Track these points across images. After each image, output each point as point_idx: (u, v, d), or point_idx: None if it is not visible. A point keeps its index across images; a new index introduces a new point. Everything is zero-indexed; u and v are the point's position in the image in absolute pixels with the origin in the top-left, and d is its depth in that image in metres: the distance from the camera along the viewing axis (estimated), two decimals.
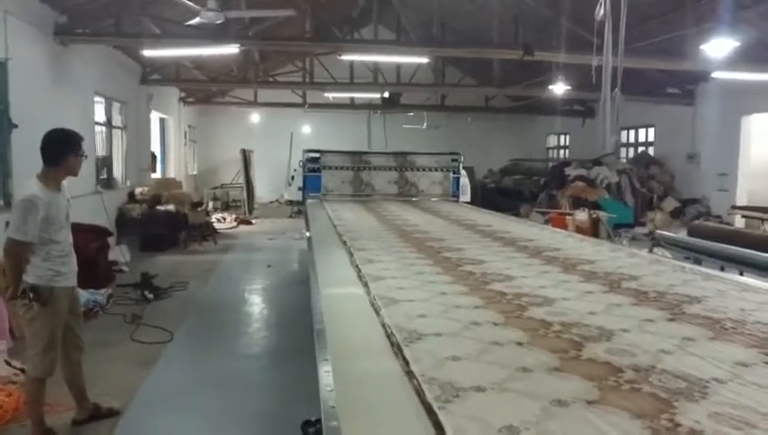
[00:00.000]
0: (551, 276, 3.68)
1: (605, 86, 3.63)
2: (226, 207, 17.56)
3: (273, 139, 18.91)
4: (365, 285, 3.38)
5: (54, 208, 3.31)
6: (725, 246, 5.40)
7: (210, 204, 16.08)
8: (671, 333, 2.44)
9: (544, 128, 20.11)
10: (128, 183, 11.10)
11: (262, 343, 5.44)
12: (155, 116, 13.90)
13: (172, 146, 15.61)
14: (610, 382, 1.88)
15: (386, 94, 16.43)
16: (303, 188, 9.63)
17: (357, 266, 3.88)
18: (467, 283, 3.44)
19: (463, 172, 10.25)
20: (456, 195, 9.96)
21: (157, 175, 13.94)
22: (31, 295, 3.21)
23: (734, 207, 9.20)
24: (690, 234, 6.22)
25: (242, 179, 17.37)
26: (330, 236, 5.45)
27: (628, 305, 2.93)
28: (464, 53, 9.05)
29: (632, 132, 15.91)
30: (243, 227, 14.29)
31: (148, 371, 4.52)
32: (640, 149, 15.52)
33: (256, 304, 7.09)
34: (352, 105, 17.78)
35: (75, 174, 3.55)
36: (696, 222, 8.07)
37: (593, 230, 9.87)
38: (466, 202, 10.00)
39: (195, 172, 18.73)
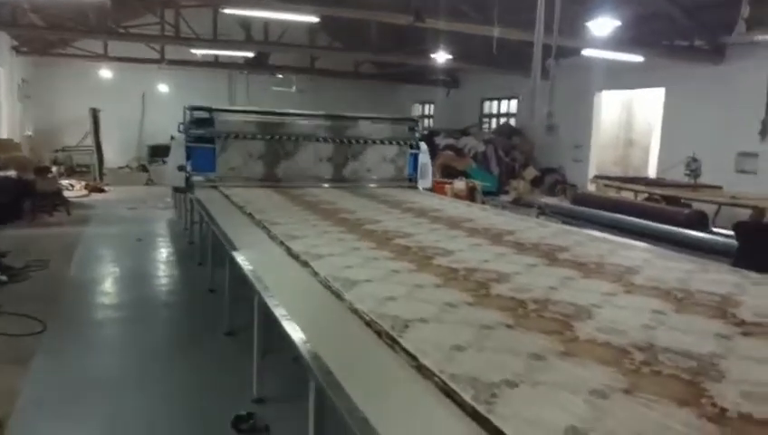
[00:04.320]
0: (485, 249, 3.66)
1: (536, 60, 3.61)
2: (71, 172, 15.80)
3: (124, 97, 17.19)
4: (305, 264, 3.11)
5: None
6: (612, 214, 5.80)
7: (53, 169, 14.30)
8: (639, 307, 2.49)
9: (409, 96, 20.43)
10: None
11: (152, 332, 4.88)
12: None
13: (4, 102, 13.55)
14: (628, 366, 1.83)
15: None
16: (187, 167, 6.70)
17: (282, 243, 3.58)
18: (411, 259, 3.30)
19: (423, 147, 7.57)
20: (412, 179, 7.45)
21: None
22: None
23: (597, 177, 10.02)
24: (575, 202, 6.60)
25: (90, 142, 15.68)
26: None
27: (580, 279, 2.96)
28: (355, 14, 8.73)
29: (495, 103, 16.68)
30: (95, 196, 12.98)
31: (25, 369, 3.85)
32: (503, 120, 16.34)
33: (136, 284, 6.34)
34: (216, 63, 16.68)
35: None
36: (581, 192, 8.65)
37: (469, 198, 10.19)
38: (427, 189, 7.56)
39: (30, 133, 16.51)
